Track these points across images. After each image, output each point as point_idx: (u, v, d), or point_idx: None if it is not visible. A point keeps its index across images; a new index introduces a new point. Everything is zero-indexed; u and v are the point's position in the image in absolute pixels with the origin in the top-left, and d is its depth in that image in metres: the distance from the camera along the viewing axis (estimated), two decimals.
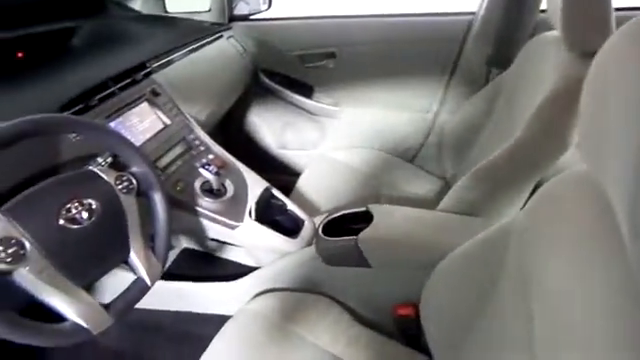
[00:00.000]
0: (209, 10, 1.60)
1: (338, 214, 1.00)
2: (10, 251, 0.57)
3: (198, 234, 1.04)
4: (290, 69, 1.68)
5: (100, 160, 0.79)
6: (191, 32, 1.38)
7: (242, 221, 0.98)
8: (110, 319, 0.67)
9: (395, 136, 1.61)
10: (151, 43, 1.19)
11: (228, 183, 1.03)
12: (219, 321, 0.91)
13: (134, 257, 0.73)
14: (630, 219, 0.32)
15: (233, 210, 0.99)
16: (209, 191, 0.99)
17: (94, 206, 0.67)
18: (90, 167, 0.74)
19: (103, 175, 0.72)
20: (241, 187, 1.04)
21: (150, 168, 0.78)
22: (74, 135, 0.82)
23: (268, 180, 1.13)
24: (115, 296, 0.72)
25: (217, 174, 0.97)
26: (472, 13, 1.43)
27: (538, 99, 0.82)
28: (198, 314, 1.14)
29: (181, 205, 0.96)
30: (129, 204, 0.73)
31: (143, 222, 0.75)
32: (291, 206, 1.07)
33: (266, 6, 1.65)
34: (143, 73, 1.08)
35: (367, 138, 1.62)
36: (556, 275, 0.43)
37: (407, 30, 1.53)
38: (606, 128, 0.36)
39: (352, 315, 0.92)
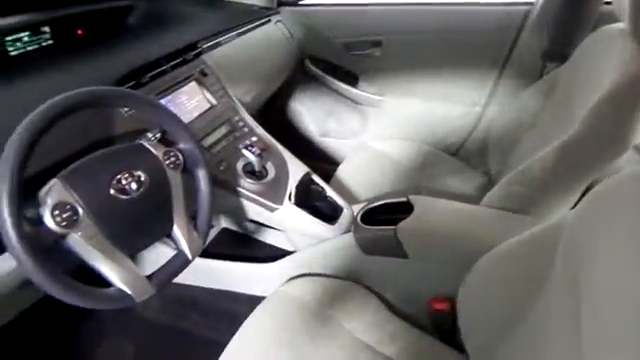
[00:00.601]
0: None
1: (378, 203, 0.98)
2: (65, 216, 0.60)
3: (238, 214, 1.06)
4: (335, 56, 1.67)
5: (150, 135, 0.82)
6: (240, 15, 1.39)
7: (281, 204, 0.98)
8: (152, 289, 0.69)
9: (439, 129, 1.57)
10: (202, 24, 1.21)
11: (269, 166, 1.04)
12: (253, 301, 0.92)
13: (177, 231, 0.75)
14: None
15: (273, 193, 1.00)
16: (251, 172, 1.00)
17: (143, 178, 0.70)
18: (141, 141, 0.76)
19: (152, 149, 0.74)
20: (282, 170, 1.04)
21: (197, 146, 0.80)
22: (127, 110, 0.85)
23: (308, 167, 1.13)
24: (155, 270, 0.74)
25: (259, 156, 0.97)
26: (529, 3, 1.36)
27: (597, 95, 0.77)
28: (233, 293, 1.16)
29: (223, 184, 0.97)
30: (175, 179, 0.75)
31: (187, 199, 0.77)
32: (330, 192, 1.06)
33: None
34: (193, 53, 1.10)
35: (410, 129, 1.59)
36: (607, 275, 0.41)
37: (458, 20, 1.47)
38: None
39: (387, 306, 0.91)
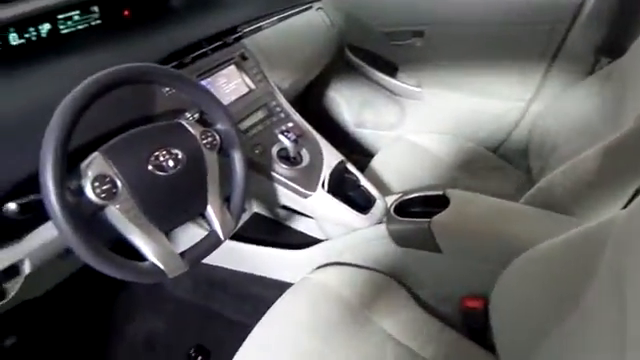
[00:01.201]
0: None
1: (412, 195, 0.96)
2: (104, 187, 0.62)
3: (270, 199, 1.06)
4: (376, 46, 1.64)
5: (188, 115, 0.83)
6: (282, 1, 1.39)
7: (314, 191, 0.98)
8: (184, 266, 0.71)
9: (479, 124, 1.51)
10: (244, 8, 1.21)
11: (304, 152, 1.03)
12: (281, 286, 0.92)
13: (211, 211, 0.76)
14: None
15: (307, 179, 0.99)
16: (285, 158, 1.00)
17: (180, 156, 0.71)
18: (179, 120, 0.77)
19: (190, 129, 0.75)
20: (317, 157, 1.04)
21: (234, 128, 0.80)
22: (167, 90, 0.87)
23: None
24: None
25: (295, 142, 0.97)
26: None
27: None
28: (262, 277, 1.17)
29: (258, 168, 0.98)
30: (211, 159, 0.76)
31: (221, 180, 0.78)
32: (364, 182, 1.05)
33: None
34: (234, 37, 1.11)
35: (449, 124, 1.54)
36: None
37: (505, 11, 1.41)
38: None
39: (418, 302, 0.90)
